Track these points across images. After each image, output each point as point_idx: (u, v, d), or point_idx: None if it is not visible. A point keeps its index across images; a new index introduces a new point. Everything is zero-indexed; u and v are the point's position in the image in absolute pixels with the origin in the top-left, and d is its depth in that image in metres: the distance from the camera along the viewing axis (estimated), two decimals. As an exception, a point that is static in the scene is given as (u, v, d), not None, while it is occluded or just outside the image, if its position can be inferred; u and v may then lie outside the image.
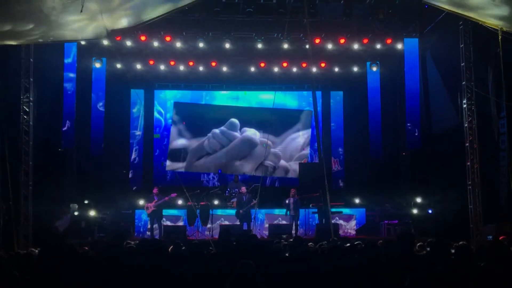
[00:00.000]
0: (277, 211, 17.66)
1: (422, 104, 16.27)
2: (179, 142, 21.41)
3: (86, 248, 8.17)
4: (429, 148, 13.98)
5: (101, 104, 18.67)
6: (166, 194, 16.81)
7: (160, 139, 21.29)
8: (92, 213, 16.78)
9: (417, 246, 8.81)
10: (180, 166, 21.25)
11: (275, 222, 17.39)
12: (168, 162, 21.26)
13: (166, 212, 17.12)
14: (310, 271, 5.79)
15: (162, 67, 19.21)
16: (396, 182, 19.57)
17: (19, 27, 10.81)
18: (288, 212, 16.96)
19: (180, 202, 17.36)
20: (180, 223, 17.02)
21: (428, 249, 8.22)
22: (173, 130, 21.41)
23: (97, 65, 18.38)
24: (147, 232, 17.08)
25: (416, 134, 17.49)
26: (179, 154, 21.28)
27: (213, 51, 17.96)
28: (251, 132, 21.41)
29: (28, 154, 14.10)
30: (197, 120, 21.60)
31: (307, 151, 21.69)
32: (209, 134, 21.33)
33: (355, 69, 20.00)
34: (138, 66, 19.10)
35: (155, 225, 16.75)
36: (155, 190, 16.96)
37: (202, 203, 17.02)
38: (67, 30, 11.34)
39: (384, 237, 15.91)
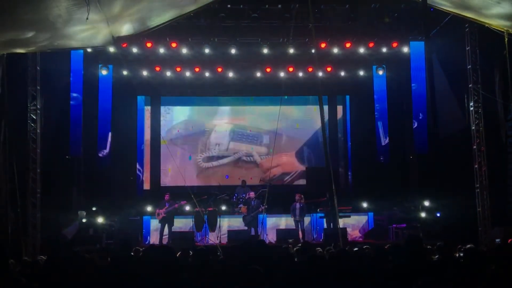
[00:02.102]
0: (283, 215, 17.67)
1: (429, 107, 16.22)
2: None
3: (93, 255, 8.15)
4: (437, 151, 13.93)
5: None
6: (177, 200, 16.85)
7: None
8: (100, 220, 16.77)
9: (425, 250, 8.76)
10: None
11: (281, 226, 17.39)
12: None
13: (177, 217, 17.12)
14: (319, 276, 5.77)
15: (168, 73, 19.21)
16: (404, 185, 19.54)
17: (25, 35, 10.86)
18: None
19: (187, 208, 17.36)
20: (191, 229, 17.04)
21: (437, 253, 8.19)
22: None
23: (104, 72, 18.43)
24: (148, 237, 17.13)
25: (424, 137, 17.42)
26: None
27: (218, 56, 17.99)
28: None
29: (36, 162, 14.15)
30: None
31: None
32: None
33: (361, 73, 19.96)
34: (144, 73, 19.11)
35: (165, 231, 16.75)
36: (166, 197, 16.98)
37: (209, 209, 17.05)
38: (73, 38, 11.41)
39: (392, 241, 15.85)
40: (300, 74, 19.45)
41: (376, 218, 17.97)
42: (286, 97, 19.86)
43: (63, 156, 17.10)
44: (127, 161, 20.52)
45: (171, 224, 16.75)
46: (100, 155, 18.30)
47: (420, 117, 17.36)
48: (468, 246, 7.73)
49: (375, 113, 19.38)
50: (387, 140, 19.19)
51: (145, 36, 15.78)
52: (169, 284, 5.14)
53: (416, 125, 17.43)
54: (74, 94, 16.90)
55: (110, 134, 18.64)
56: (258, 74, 19.56)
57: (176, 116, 21.65)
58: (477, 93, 14.87)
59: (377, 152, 19.42)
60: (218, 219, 16.91)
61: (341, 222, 15.68)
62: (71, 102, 16.85)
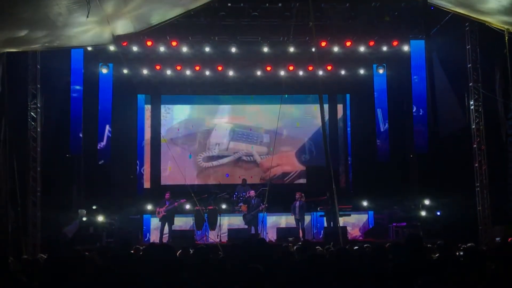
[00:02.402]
0: (283, 214, 17.68)
1: (429, 106, 16.22)
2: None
3: (93, 254, 8.15)
4: (437, 150, 13.93)
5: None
6: (177, 199, 16.85)
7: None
8: (100, 218, 16.78)
9: (425, 249, 8.76)
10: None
11: (281, 225, 17.39)
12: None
13: (177, 216, 17.11)
14: (319, 274, 5.77)
15: (168, 72, 19.17)
16: (404, 184, 19.51)
17: (26, 34, 10.85)
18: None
19: (188, 206, 17.35)
20: (191, 228, 17.04)
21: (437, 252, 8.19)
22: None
23: (104, 70, 18.41)
24: (148, 236, 17.15)
25: (424, 136, 17.41)
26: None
27: (219, 55, 17.95)
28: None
29: (36, 161, 14.14)
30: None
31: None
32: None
33: (362, 71, 19.93)
34: (145, 72, 19.08)
35: (165, 230, 16.74)
36: (167, 195, 16.97)
37: (210, 207, 17.04)
38: (73, 36, 11.39)
39: (393, 240, 15.86)
40: (301, 72, 19.42)
41: (376, 217, 17.97)
42: (286, 95, 19.79)
43: (64, 154, 17.09)
44: (128, 159, 20.50)
45: (171, 223, 16.74)
46: (97, 147, 18.29)
47: (421, 113, 17.36)
48: (468, 245, 7.74)
49: (375, 111, 19.35)
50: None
51: (145, 35, 15.80)
52: (169, 282, 5.13)
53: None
54: (77, 87, 16.86)
55: (107, 127, 18.53)
56: (259, 73, 19.54)
57: (176, 115, 21.63)
58: (477, 92, 14.86)
59: (377, 151, 19.38)
60: (218, 218, 16.92)
61: (341, 221, 15.72)
62: (73, 95, 16.81)
